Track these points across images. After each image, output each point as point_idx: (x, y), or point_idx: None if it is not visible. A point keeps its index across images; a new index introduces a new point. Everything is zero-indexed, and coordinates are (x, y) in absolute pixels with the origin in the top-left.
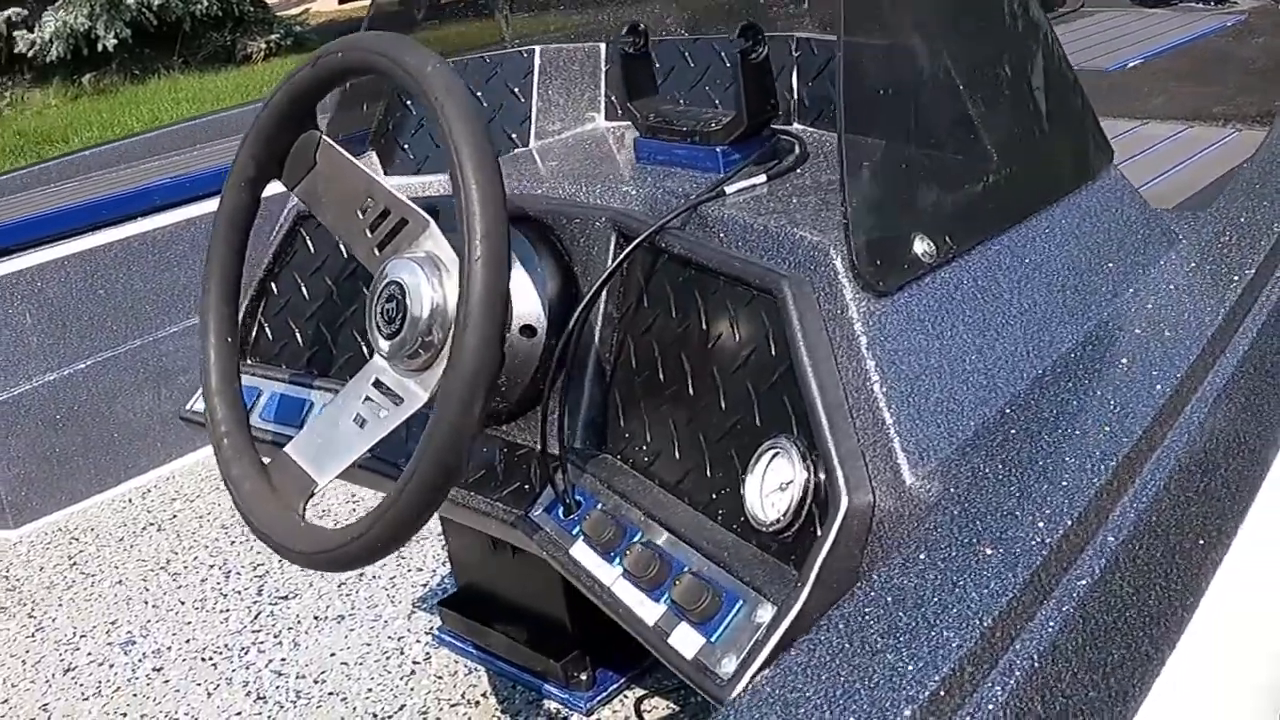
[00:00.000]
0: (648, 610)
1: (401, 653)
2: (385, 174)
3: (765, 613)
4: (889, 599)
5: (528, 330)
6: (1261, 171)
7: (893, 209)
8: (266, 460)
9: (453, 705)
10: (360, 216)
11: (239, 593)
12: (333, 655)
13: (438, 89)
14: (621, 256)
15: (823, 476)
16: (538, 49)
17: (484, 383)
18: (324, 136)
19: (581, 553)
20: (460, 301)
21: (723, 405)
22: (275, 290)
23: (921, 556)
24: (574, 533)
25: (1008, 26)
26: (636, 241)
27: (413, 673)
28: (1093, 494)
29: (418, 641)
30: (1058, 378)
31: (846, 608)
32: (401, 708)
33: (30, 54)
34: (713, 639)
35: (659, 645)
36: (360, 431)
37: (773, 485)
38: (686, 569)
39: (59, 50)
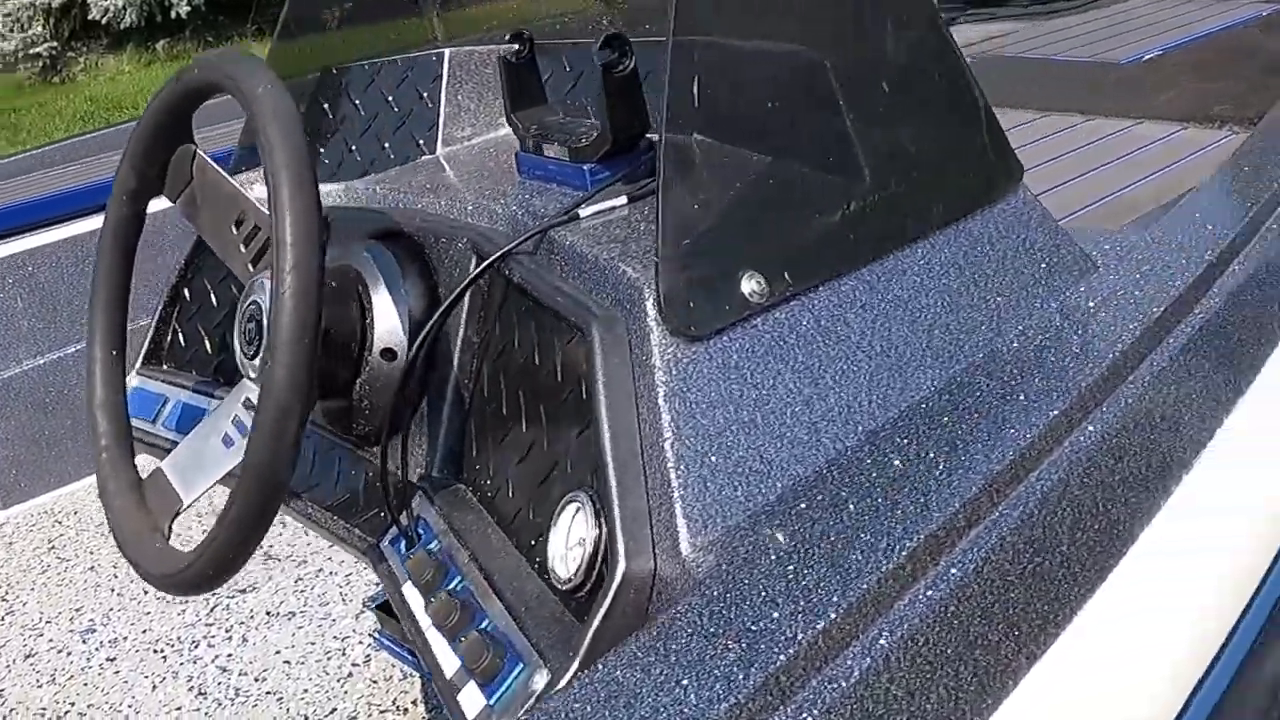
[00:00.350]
0: (447, 662)
1: (343, 654)
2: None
3: (540, 680)
4: (601, 695)
5: (388, 354)
6: (1219, 189)
7: (719, 241)
8: (155, 467)
9: (382, 711)
10: (234, 232)
11: None
12: (278, 653)
13: (265, 112)
14: (464, 284)
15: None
16: (447, 52)
17: (294, 414)
18: (198, 150)
19: (409, 592)
20: (269, 335)
21: (545, 446)
22: (188, 296)
23: (658, 645)
24: (405, 569)
25: (888, 28)
26: (481, 269)
27: (350, 675)
28: (877, 579)
29: (360, 643)
30: (896, 433)
31: (551, 704)
32: (332, 711)
33: (104, 20)
34: (492, 702)
35: (449, 700)
36: (226, 451)
37: (573, 540)
38: (480, 624)
39: (132, 17)
